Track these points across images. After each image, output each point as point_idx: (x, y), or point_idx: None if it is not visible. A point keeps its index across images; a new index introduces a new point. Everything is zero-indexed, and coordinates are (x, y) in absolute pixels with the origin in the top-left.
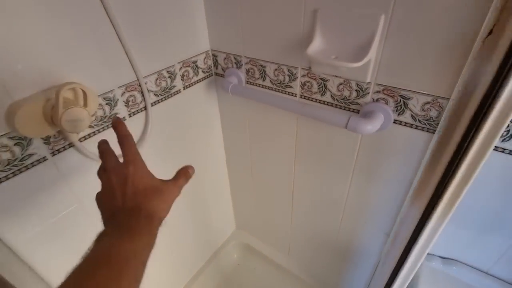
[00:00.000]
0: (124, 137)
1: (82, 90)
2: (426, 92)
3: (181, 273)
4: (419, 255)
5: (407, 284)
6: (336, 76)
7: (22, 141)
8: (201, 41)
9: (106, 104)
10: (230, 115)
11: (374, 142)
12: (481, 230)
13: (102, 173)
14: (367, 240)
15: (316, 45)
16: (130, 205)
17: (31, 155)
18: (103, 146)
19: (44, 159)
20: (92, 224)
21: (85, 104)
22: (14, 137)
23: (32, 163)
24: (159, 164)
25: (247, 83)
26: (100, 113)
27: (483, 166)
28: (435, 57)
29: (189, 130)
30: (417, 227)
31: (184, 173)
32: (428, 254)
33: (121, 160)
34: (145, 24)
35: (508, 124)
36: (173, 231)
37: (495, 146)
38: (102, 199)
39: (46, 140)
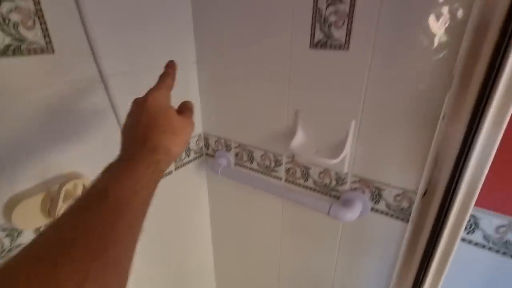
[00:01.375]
0: (164, 72)
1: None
2: (396, 186)
3: None
4: None
5: None
6: (317, 165)
7: (13, 232)
8: (195, 126)
9: None
10: (218, 194)
11: (355, 227)
12: None
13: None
14: None
15: (299, 139)
16: (137, 135)
17: (19, 245)
18: (165, 71)
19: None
20: None
21: None
22: (6, 228)
23: None
24: (149, 237)
25: (236, 165)
26: None
27: (463, 262)
28: (401, 154)
29: (177, 208)
30: None
31: (189, 107)
32: None
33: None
34: None
35: (470, 219)
36: None
37: (463, 238)
38: (123, 126)
39: (36, 230)
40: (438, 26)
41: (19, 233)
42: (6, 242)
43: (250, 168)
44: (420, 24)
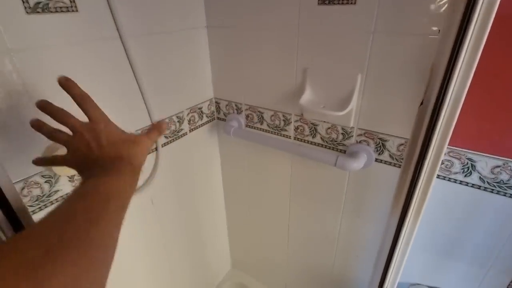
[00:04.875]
0: (83, 97)
1: None
2: (399, 135)
3: None
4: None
5: None
6: (324, 121)
7: (51, 179)
8: (206, 90)
9: None
10: (229, 155)
11: (360, 179)
12: (443, 254)
13: (67, 136)
14: (361, 274)
15: (307, 96)
16: (111, 154)
17: (56, 191)
18: (56, 109)
19: (67, 195)
20: None
21: None
22: (45, 175)
23: (56, 199)
24: (167, 197)
25: (247, 127)
26: None
27: (444, 197)
28: (402, 106)
29: (192, 168)
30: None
31: (158, 127)
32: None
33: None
34: (161, 76)
35: (467, 162)
36: (170, 269)
37: (460, 180)
38: (76, 156)
39: (71, 178)
40: None
41: (57, 179)
42: (46, 187)
43: (260, 129)
44: None
